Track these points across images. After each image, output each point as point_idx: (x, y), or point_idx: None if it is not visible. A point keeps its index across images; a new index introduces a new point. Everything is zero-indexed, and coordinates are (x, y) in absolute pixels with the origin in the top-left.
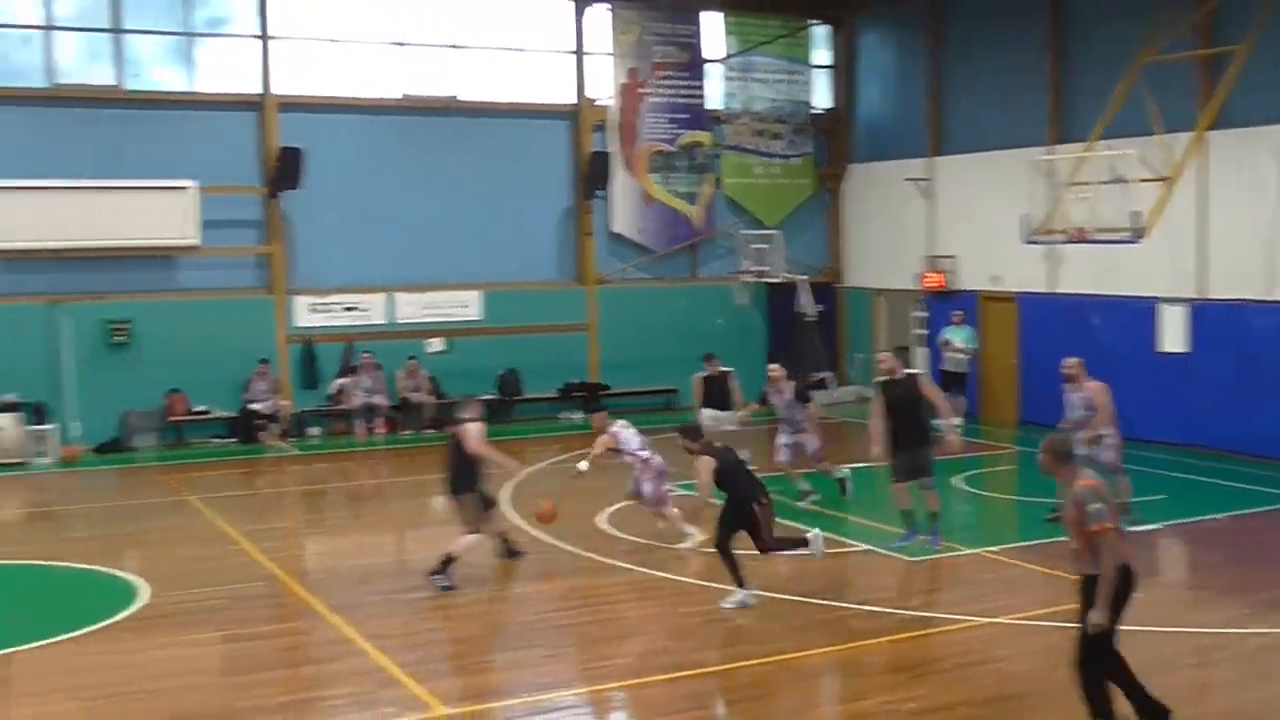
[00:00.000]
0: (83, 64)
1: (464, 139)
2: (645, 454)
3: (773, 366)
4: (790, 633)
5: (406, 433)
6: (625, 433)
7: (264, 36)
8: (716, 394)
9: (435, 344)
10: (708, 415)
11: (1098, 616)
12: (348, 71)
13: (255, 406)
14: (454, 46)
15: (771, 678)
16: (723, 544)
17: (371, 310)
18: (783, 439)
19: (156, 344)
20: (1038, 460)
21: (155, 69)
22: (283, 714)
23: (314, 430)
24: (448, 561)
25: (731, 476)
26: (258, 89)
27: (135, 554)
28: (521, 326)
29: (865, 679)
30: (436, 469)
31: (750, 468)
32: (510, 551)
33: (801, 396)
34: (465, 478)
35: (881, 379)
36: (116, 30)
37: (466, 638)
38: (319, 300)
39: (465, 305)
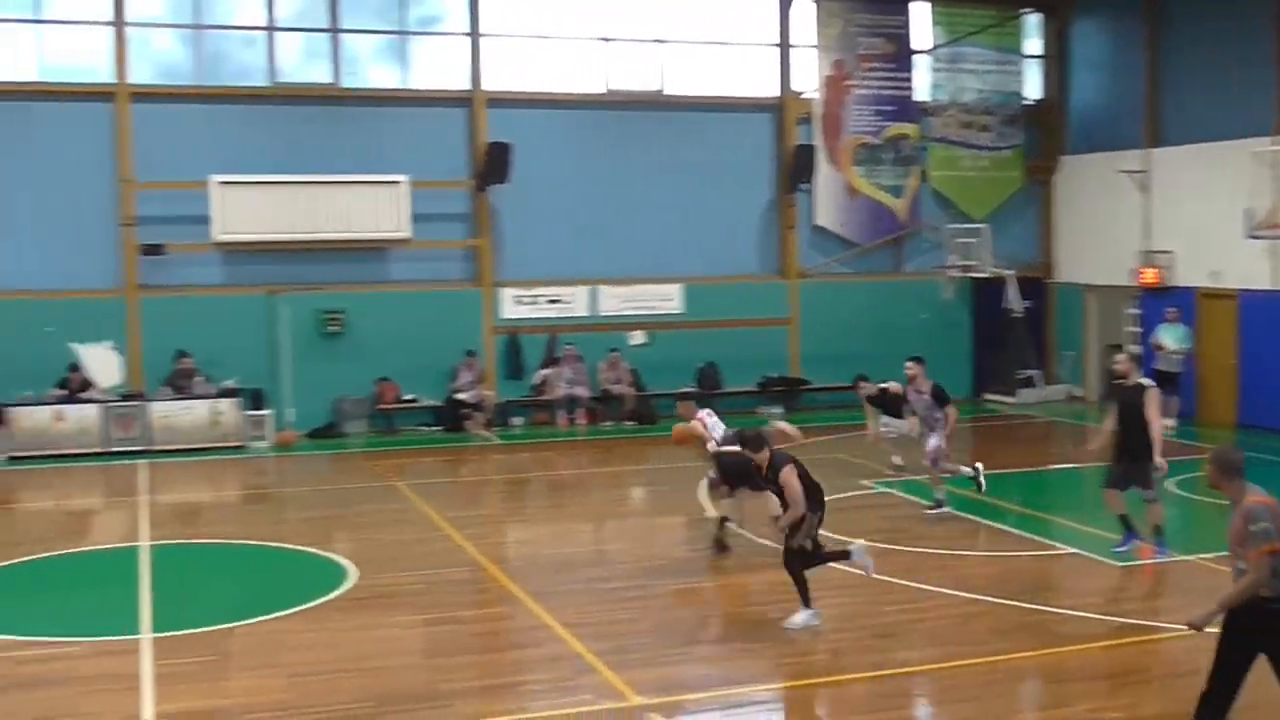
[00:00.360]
0: (302, 63)
1: (668, 133)
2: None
3: (910, 363)
4: (994, 635)
5: (607, 424)
6: (711, 420)
7: (474, 34)
8: (890, 401)
9: (637, 336)
10: (885, 422)
11: (1198, 618)
12: (554, 67)
13: (461, 396)
14: (658, 41)
15: (974, 680)
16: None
17: (575, 303)
18: (933, 441)
19: (368, 333)
20: (1205, 472)
21: (370, 67)
22: (483, 697)
23: (517, 420)
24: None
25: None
26: (468, 85)
27: (345, 537)
28: (722, 320)
29: (1068, 685)
30: (636, 460)
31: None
32: (721, 544)
33: (939, 397)
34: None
35: (1114, 380)
36: (334, 30)
37: (663, 628)
38: (524, 292)
39: (667, 298)
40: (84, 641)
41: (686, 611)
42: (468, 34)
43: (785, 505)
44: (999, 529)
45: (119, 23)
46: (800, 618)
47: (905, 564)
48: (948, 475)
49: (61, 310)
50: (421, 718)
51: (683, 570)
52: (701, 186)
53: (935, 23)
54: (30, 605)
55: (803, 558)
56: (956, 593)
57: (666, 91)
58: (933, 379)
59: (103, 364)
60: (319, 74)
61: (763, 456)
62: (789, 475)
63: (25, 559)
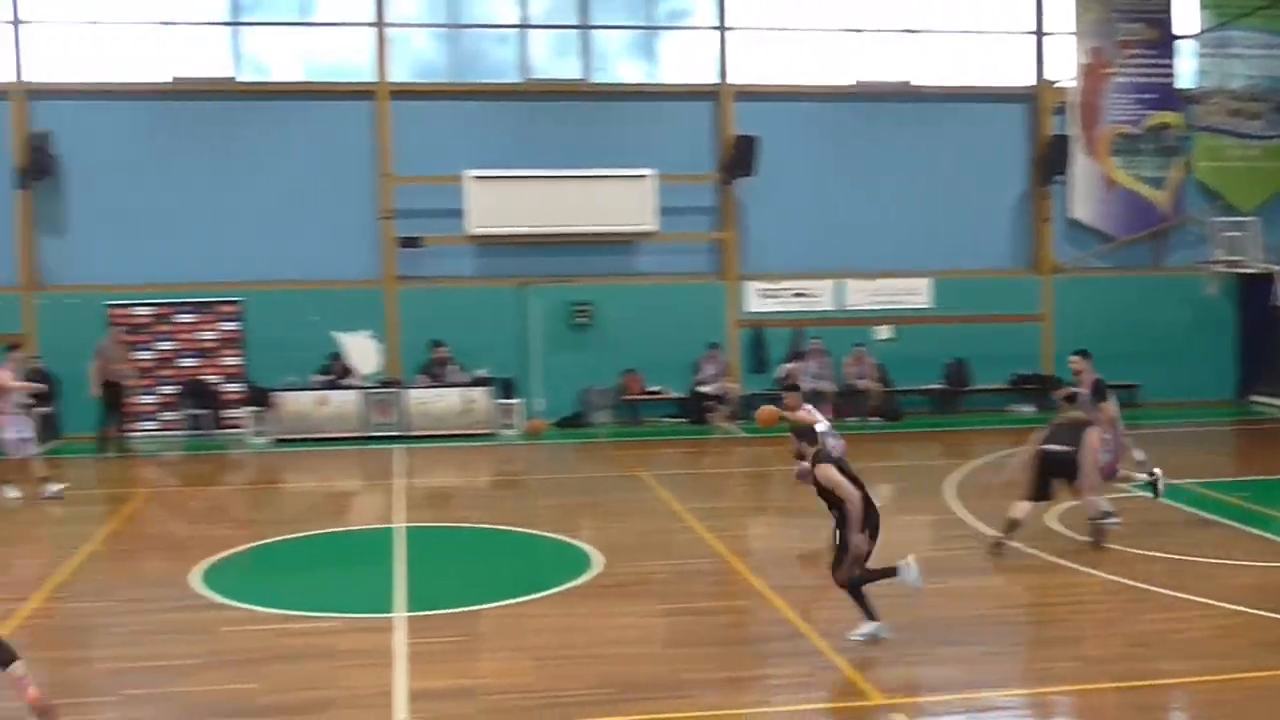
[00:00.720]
0: (553, 59)
1: (916, 124)
2: (831, 441)
3: (1075, 357)
4: (1257, 649)
5: (852, 419)
6: (817, 413)
7: (721, 28)
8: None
9: (883, 331)
10: None
11: None
12: (802, 59)
13: (705, 388)
14: (908, 31)
15: (1233, 695)
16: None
17: (820, 296)
18: (1104, 451)
19: (615, 325)
20: None
21: (618, 62)
22: (724, 690)
23: None
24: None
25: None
26: (715, 79)
27: (590, 524)
28: (972, 315)
29: None
30: (882, 457)
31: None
32: (999, 544)
33: (1098, 393)
34: None
35: None
36: (584, 27)
37: (907, 627)
38: (769, 286)
39: (915, 293)
40: (341, 618)
41: (932, 611)
42: (715, 28)
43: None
44: (1264, 538)
45: (380, 24)
46: (865, 630)
47: (1162, 570)
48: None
49: (325, 300)
50: (663, 706)
51: (931, 569)
52: (951, 178)
53: (1203, 6)
54: (292, 581)
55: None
56: (1216, 603)
57: (915, 82)
58: (1098, 374)
59: (363, 352)
60: (569, 70)
61: (808, 451)
62: (828, 471)
63: (289, 537)
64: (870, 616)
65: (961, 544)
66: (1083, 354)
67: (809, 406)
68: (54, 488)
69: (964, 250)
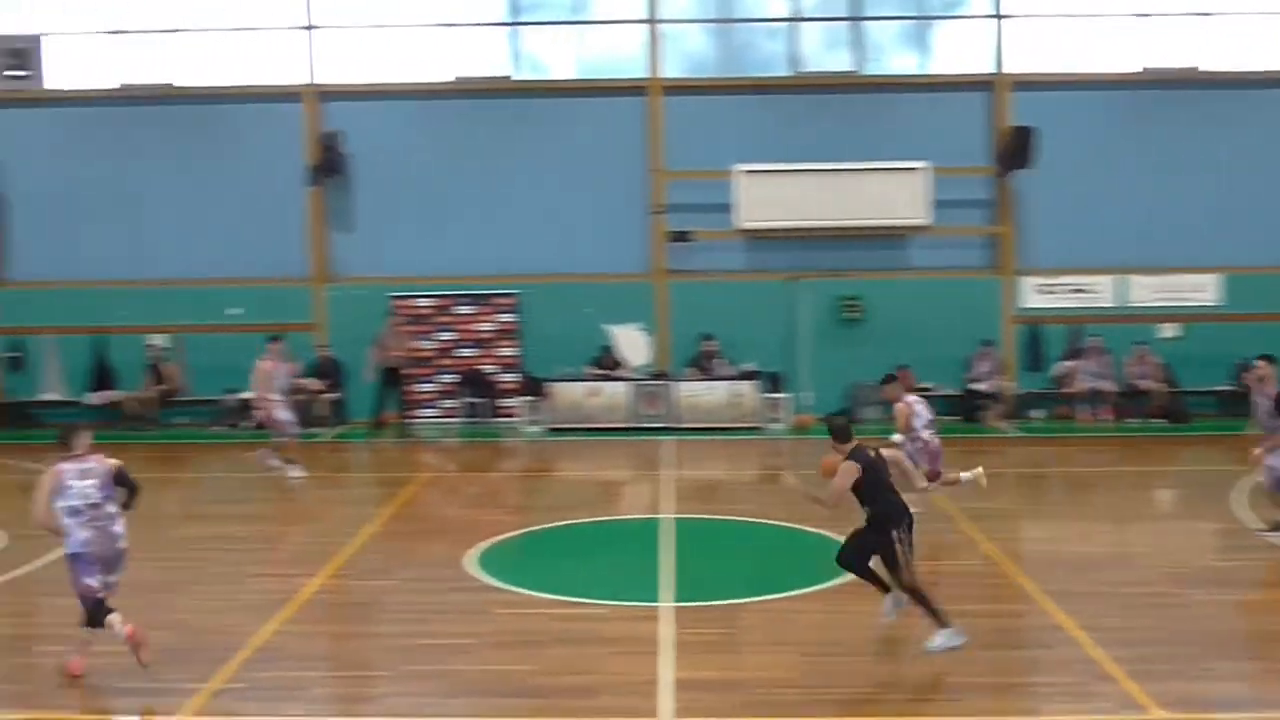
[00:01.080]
0: (823, 52)
1: (1206, 112)
2: (927, 435)
3: (1260, 362)
4: None
5: (1133, 421)
6: (920, 406)
7: (998, 16)
8: None
9: (1168, 330)
10: None
11: None
12: (1082, 46)
13: (978, 386)
14: (1198, 14)
15: None
16: (910, 581)
17: (1101, 292)
18: (1273, 459)
19: (884, 320)
20: None
21: (890, 53)
22: (993, 695)
23: (1037, 413)
24: None
25: (873, 489)
26: (990, 69)
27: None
28: (1265, 314)
29: None
30: (1166, 460)
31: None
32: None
33: None
34: None
35: None
36: (856, 18)
37: (1190, 639)
38: (1047, 281)
39: (1202, 289)
40: (609, 605)
41: (1216, 624)
42: (991, 16)
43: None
44: None
45: (652, 20)
46: (938, 640)
47: None
48: None
49: (598, 293)
50: (928, 709)
51: (1214, 579)
52: (1242, 169)
53: None
54: (562, 567)
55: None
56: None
57: (1204, 68)
58: None
59: (633, 344)
60: (840, 62)
61: (843, 449)
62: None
63: (559, 524)
64: (940, 623)
65: (1247, 555)
66: (1268, 359)
67: (914, 398)
68: (296, 473)
69: (1258, 244)
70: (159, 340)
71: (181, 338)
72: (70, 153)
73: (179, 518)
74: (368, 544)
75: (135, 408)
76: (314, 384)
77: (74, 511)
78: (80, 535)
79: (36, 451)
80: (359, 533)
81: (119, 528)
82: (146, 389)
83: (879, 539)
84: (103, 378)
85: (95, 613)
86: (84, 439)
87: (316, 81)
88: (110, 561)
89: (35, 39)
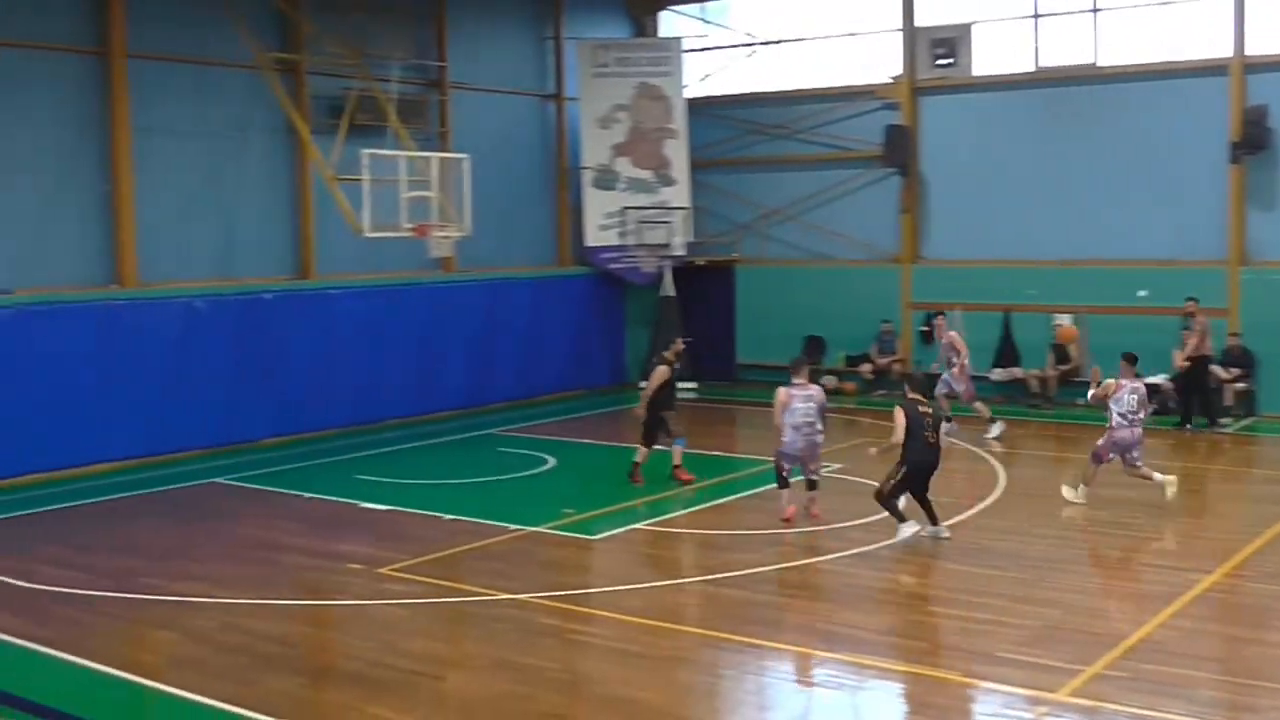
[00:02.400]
0: None
1: None
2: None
3: None
4: None
5: None
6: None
7: None
8: None
9: None
10: None
11: None
12: None
13: None
14: None
15: None
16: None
17: None
18: None
19: None
20: None
21: None
22: None
23: None
24: None
25: (911, 436)
26: None
27: None
28: None
29: None
30: None
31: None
32: None
33: None
34: None
35: None
36: None
37: None
38: None
39: None
40: None
41: None
42: None
43: None
44: None
45: None
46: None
47: None
48: None
49: None
50: None
51: None
52: None
53: None
54: None
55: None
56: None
57: None
58: None
59: None
60: None
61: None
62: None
63: None
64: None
65: None
66: None
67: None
68: (994, 430)
69: None
70: (1064, 320)
71: (1085, 318)
72: (989, 136)
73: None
74: (1273, 544)
75: (1035, 385)
76: (1222, 373)
77: (795, 427)
78: (792, 439)
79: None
80: (1264, 532)
81: (820, 437)
82: (1048, 368)
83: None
84: (1007, 354)
85: (780, 480)
86: (803, 372)
87: (1245, 53)
88: (809, 457)
89: (965, 28)
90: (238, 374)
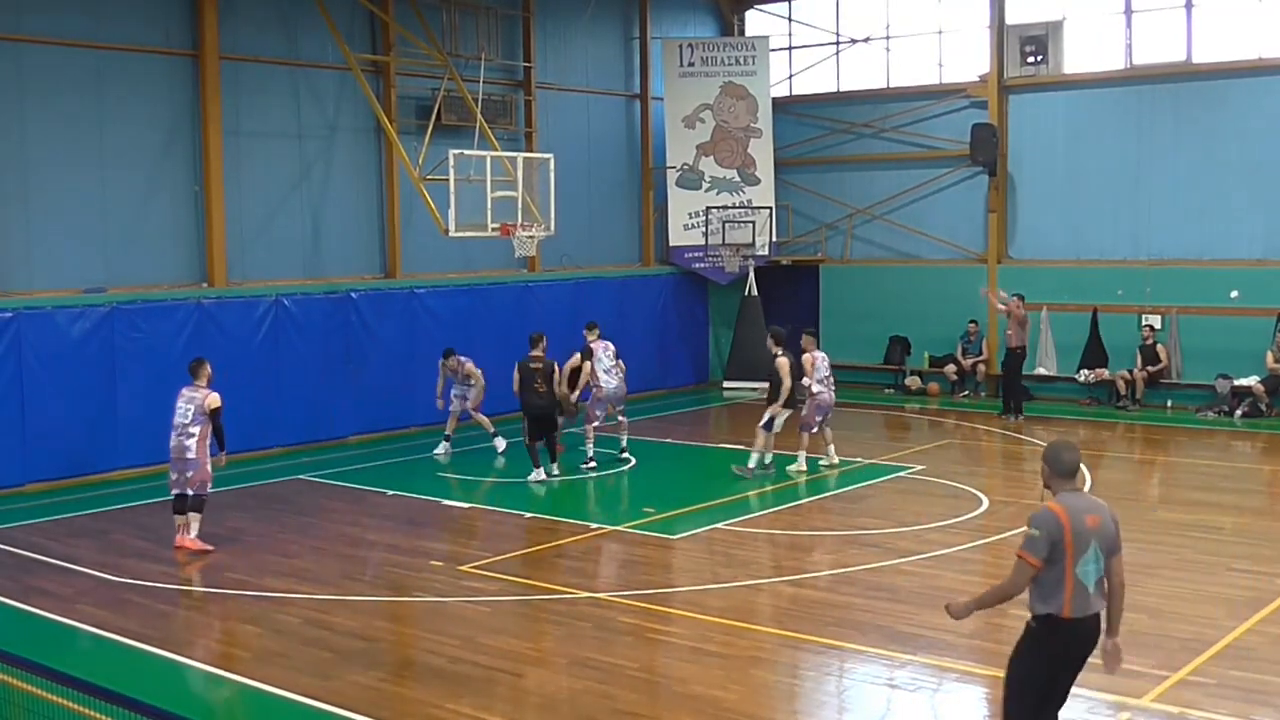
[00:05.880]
0: None
1: None
2: None
3: None
4: None
5: None
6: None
7: None
8: None
9: None
10: None
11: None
12: None
13: None
14: None
15: None
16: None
17: None
18: None
19: None
20: None
21: None
22: None
23: None
24: None
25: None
26: None
27: None
28: None
29: None
30: None
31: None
32: None
33: None
34: None
35: None
36: None
37: None
38: None
39: None
40: None
41: None
42: None
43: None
44: None
45: None
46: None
47: None
48: None
49: None
50: None
51: None
52: None
53: None
54: None
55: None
56: None
57: None
58: None
59: None
60: None
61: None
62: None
63: None
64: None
65: None
66: None
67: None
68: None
69: None
70: (1153, 320)
71: (1175, 319)
72: (1078, 134)
73: (1157, 500)
74: None
75: (1123, 387)
76: None
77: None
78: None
79: (1029, 423)
80: None
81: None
82: (1136, 369)
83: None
84: (1095, 355)
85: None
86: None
87: None
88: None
89: (1055, 25)
90: (324, 372)
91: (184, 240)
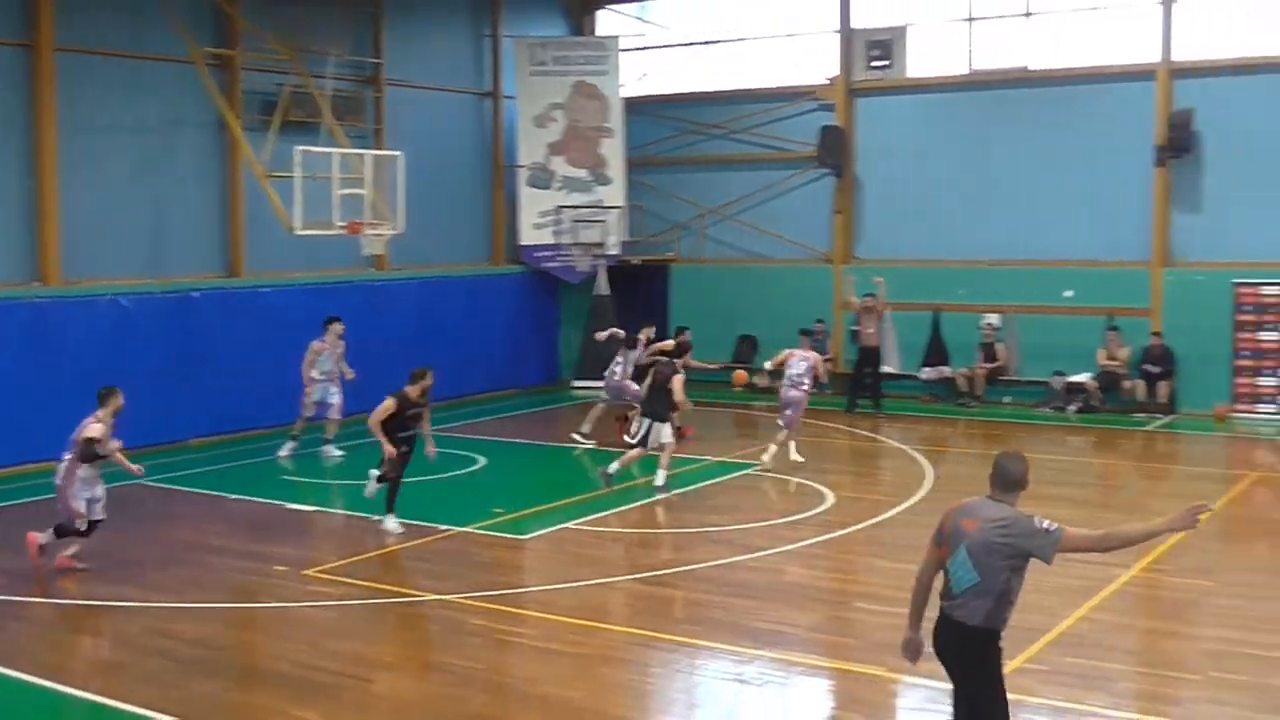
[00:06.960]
0: None
1: None
2: None
3: None
4: None
5: None
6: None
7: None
8: None
9: None
10: None
11: None
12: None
13: None
14: None
15: None
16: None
17: None
18: None
19: None
20: None
21: None
22: None
23: None
24: None
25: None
26: None
27: None
28: None
29: None
30: None
31: None
32: None
33: None
34: None
35: None
36: None
37: None
38: None
39: None
40: None
41: None
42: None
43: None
44: None
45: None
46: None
47: None
48: None
49: None
50: None
51: None
52: None
53: None
54: None
55: None
56: None
57: None
58: None
59: None
60: None
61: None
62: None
63: None
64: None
65: None
66: None
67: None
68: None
69: None
70: (993, 319)
71: (1013, 318)
72: (922, 137)
73: None
74: (1189, 540)
75: (964, 384)
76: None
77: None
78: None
79: (872, 419)
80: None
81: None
82: (977, 366)
83: None
84: (936, 353)
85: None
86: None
87: (1171, 59)
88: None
89: (900, 30)
90: (164, 373)
91: (16, 238)
